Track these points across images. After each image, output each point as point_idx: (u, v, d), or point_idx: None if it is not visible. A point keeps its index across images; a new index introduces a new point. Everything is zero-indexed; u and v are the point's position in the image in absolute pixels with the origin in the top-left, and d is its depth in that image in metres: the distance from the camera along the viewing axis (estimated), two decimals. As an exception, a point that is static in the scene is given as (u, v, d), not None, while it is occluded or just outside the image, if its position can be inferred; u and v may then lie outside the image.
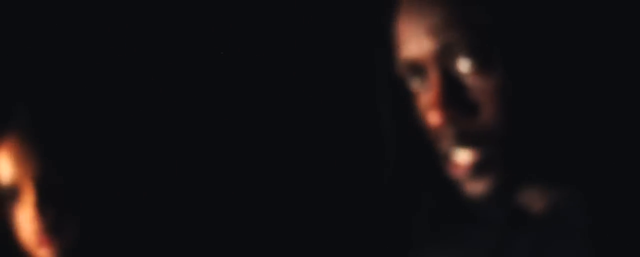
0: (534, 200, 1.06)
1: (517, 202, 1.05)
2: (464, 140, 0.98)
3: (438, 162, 1.05)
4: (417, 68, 1.01)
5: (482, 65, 0.95)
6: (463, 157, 0.98)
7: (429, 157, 1.09)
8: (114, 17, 2.14)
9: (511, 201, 1.04)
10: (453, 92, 0.97)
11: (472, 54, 0.95)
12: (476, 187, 1.00)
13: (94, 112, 1.51)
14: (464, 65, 0.96)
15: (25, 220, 1.37)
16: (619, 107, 0.99)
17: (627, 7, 0.99)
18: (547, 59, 0.96)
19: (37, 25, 1.96)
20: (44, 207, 1.35)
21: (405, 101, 1.07)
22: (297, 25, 1.97)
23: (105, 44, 2.11)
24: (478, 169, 0.98)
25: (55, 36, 1.99)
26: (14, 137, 1.38)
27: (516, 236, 1.06)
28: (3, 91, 1.61)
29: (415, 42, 0.99)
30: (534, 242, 1.05)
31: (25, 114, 1.40)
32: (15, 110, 1.41)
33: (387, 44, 1.07)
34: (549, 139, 0.97)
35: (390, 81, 1.08)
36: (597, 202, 0.99)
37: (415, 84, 1.02)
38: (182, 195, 2.03)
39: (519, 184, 1.02)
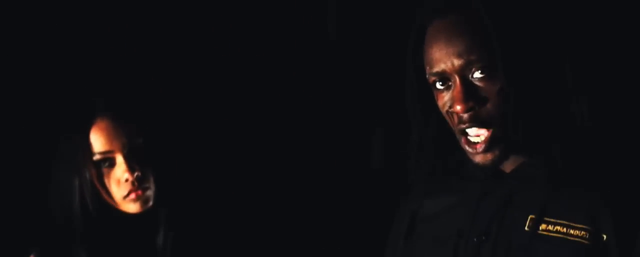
0: (509, 163, 1.60)
1: (498, 165, 1.59)
2: (476, 122, 1.52)
3: (454, 137, 1.59)
4: (444, 77, 1.54)
5: (488, 74, 1.50)
6: (478, 133, 1.52)
7: (443, 135, 1.64)
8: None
9: (495, 164, 1.58)
10: (469, 91, 1.51)
11: (483, 68, 1.50)
12: (484, 158, 1.54)
13: (160, 104, 2.08)
14: (476, 75, 1.51)
15: (116, 178, 1.90)
16: (566, 104, 1.54)
17: (579, 42, 1.54)
18: (529, 72, 1.50)
19: (118, 33, 2.49)
20: (130, 167, 1.89)
21: (428, 98, 1.61)
22: (359, 51, 2.63)
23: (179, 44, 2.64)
24: (488, 145, 1.52)
25: (133, 40, 2.52)
26: (104, 120, 1.91)
27: (495, 186, 1.61)
28: (92, 89, 2.19)
29: (445, 61, 1.53)
30: (507, 189, 1.59)
31: (112, 104, 1.94)
32: (100, 103, 1.95)
33: (417, 60, 1.60)
34: (525, 123, 1.51)
35: (418, 85, 1.62)
36: (550, 163, 1.54)
37: (441, 87, 1.56)
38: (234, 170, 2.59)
39: (508, 154, 1.56)
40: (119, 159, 1.90)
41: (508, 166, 1.61)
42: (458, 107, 1.52)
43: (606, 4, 2.19)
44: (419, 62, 1.61)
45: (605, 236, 1.49)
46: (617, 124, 1.69)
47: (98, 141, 1.90)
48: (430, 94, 1.62)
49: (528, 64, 1.51)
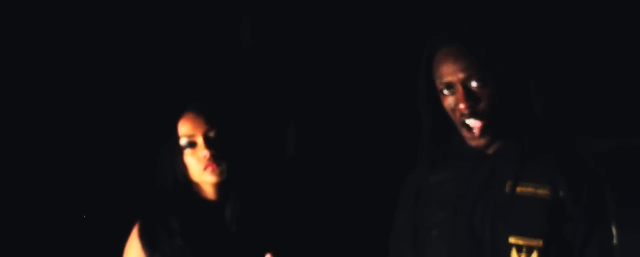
0: (491, 147, 2.29)
1: (487, 147, 2.28)
2: (474, 115, 2.20)
3: (455, 128, 2.27)
4: (449, 85, 2.23)
5: (483, 83, 2.20)
6: (473, 123, 2.21)
7: (446, 127, 2.32)
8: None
9: (485, 146, 2.27)
10: (469, 95, 2.19)
11: (479, 79, 2.20)
12: (478, 141, 2.23)
13: (233, 104, 2.76)
14: (473, 84, 2.20)
15: (197, 156, 2.54)
16: (530, 107, 2.24)
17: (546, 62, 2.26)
18: (507, 83, 2.20)
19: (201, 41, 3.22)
20: (208, 147, 2.53)
21: (437, 99, 2.29)
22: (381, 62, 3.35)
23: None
24: (480, 134, 2.21)
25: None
26: (191, 113, 2.56)
27: (482, 163, 2.29)
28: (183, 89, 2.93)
29: (451, 74, 2.22)
30: (491, 165, 2.28)
31: (196, 102, 2.59)
32: (189, 101, 2.61)
33: (429, 71, 2.29)
34: (508, 117, 2.21)
35: (429, 90, 2.31)
36: (520, 146, 2.24)
37: (446, 92, 2.24)
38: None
39: (492, 140, 2.25)
40: (199, 140, 2.54)
41: (490, 149, 2.30)
42: (461, 106, 2.21)
43: (557, 40, 2.95)
44: (428, 78, 2.30)
45: (561, 193, 2.19)
46: (562, 120, 2.41)
47: (184, 127, 2.55)
48: (434, 99, 2.32)
49: (507, 79, 2.22)
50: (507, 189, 2.24)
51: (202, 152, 2.53)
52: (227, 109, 2.64)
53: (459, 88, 2.23)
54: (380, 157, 3.63)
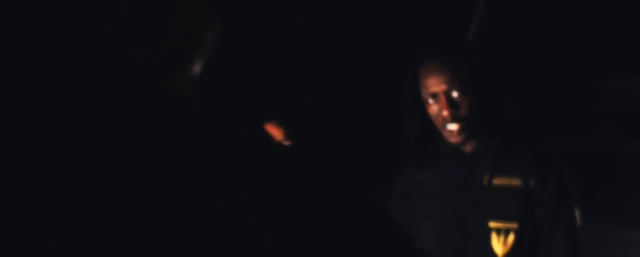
0: (468, 147, 2.69)
1: (464, 144, 2.68)
2: (454, 120, 2.61)
3: (438, 130, 2.67)
4: (434, 94, 2.63)
5: (463, 93, 2.60)
6: (453, 127, 2.61)
7: (430, 129, 2.72)
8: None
9: (463, 143, 2.67)
10: (451, 103, 2.60)
11: (460, 89, 2.60)
12: (457, 138, 2.63)
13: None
14: (456, 94, 2.60)
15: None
16: (502, 110, 2.65)
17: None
18: (487, 90, 2.61)
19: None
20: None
21: (422, 107, 2.69)
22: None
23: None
24: (459, 132, 2.61)
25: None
26: (273, 122, 2.91)
27: (462, 161, 2.69)
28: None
29: (436, 85, 2.62)
30: (470, 162, 2.68)
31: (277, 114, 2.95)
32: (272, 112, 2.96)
33: (416, 83, 2.69)
34: (484, 120, 2.62)
35: (414, 99, 2.71)
36: (495, 144, 2.64)
37: (431, 101, 2.64)
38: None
39: (468, 139, 2.66)
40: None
41: (468, 148, 2.70)
42: (444, 113, 2.61)
43: (526, 59, 3.38)
44: (415, 88, 2.70)
45: (531, 182, 2.60)
46: (529, 121, 2.83)
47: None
48: (419, 107, 2.72)
49: (483, 88, 2.63)
50: (485, 182, 2.64)
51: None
52: None
53: (443, 98, 2.63)
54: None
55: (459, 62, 2.65)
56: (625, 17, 5.81)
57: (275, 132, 2.91)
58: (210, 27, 0.78)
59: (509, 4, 4.02)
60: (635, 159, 5.50)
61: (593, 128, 5.47)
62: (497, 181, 2.65)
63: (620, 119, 6.09)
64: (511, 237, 2.58)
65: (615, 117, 6.07)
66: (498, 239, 2.59)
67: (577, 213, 2.63)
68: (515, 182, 2.63)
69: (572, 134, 3.84)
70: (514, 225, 2.60)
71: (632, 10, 5.55)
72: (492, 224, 2.61)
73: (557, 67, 3.91)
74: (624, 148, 5.45)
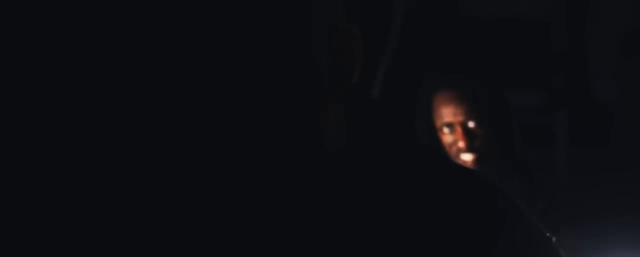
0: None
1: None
2: (470, 150, 2.73)
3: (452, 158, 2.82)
4: (449, 125, 2.76)
5: (480, 124, 2.74)
6: (468, 157, 2.75)
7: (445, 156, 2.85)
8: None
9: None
10: (468, 134, 2.74)
11: (477, 120, 2.73)
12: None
13: None
14: (471, 124, 2.74)
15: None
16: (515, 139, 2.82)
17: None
18: (500, 121, 2.77)
19: None
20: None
21: (437, 137, 2.81)
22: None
23: None
24: (474, 163, 2.75)
25: None
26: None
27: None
28: None
29: (452, 116, 2.74)
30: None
31: None
32: None
33: (429, 108, 2.81)
34: (497, 150, 2.78)
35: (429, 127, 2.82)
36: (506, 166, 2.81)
37: (446, 131, 2.77)
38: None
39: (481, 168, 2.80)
40: None
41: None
42: (460, 144, 2.74)
43: None
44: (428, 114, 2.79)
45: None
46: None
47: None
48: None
49: (499, 118, 2.78)
50: None
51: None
52: None
53: (459, 128, 2.74)
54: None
55: (476, 91, 2.75)
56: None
57: None
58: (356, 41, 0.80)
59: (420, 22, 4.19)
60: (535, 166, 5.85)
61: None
62: None
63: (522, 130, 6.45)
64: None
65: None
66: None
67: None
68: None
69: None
70: None
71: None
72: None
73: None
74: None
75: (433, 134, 2.81)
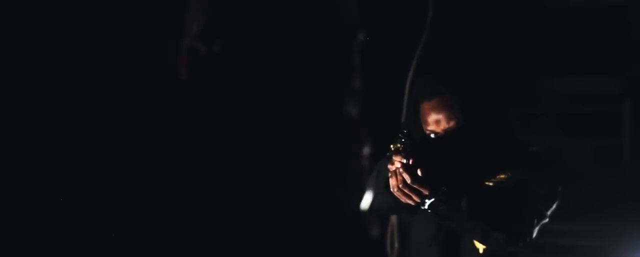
0: None
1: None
2: None
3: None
4: (435, 131, 2.78)
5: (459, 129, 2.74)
6: None
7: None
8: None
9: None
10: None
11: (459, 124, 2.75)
12: None
13: None
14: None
15: None
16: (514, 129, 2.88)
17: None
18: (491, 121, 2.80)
19: None
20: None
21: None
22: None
23: None
24: None
25: None
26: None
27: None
28: None
29: (436, 124, 2.72)
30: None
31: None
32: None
33: (417, 121, 2.83)
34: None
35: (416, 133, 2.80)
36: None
37: (433, 136, 2.77)
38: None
39: None
40: None
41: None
42: None
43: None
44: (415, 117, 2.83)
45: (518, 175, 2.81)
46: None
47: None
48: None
49: (478, 124, 2.77)
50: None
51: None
52: None
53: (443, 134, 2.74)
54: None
55: (460, 99, 2.73)
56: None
57: None
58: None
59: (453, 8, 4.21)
60: (573, 155, 5.81)
61: (533, 126, 5.80)
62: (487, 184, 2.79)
63: (560, 118, 6.40)
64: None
65: (555, 116, 6.39)
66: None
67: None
68: (503, 176, 2.77)
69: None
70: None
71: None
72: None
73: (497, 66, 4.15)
74: (563, 145, 5.77)
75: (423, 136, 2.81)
